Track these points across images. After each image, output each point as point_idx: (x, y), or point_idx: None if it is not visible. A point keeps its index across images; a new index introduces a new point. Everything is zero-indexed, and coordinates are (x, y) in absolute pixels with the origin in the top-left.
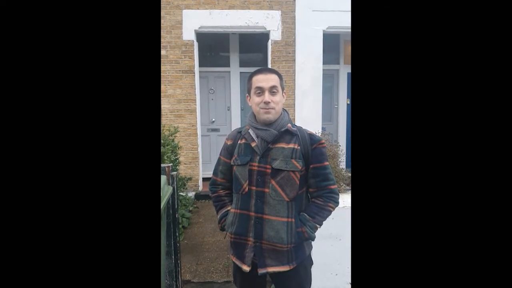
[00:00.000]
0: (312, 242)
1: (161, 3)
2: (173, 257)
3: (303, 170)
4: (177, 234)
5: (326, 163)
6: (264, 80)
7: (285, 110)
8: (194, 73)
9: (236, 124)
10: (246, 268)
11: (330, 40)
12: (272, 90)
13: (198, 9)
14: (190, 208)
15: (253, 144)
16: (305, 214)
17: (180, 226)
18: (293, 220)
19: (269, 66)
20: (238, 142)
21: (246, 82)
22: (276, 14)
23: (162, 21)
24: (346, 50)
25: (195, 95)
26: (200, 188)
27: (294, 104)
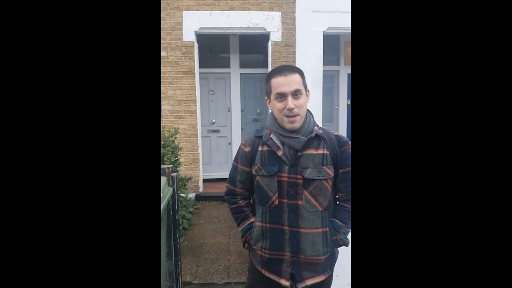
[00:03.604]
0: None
1: (161, 5)
2: (173, 258)
3: (333, 176)
4: (177, 236)
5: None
6: (285, 83)
7: (309, 111)
8: (195, 74)
9: (236, 125)
10: (285, 283)
11: (330, 41)
12: (296, 94)
13: (198, 10)
14: (191, 209)
15: (279, 153)
16: (337, 221)
17: (181, 227)
18: (327, 229)
19: (269, 67)
20: (259, 149)
21: (264, 83)
22: (276, 15)
23: (162, 22)
24: (346, 51)
25: (196, 96)
26: (201, 189)
27: None
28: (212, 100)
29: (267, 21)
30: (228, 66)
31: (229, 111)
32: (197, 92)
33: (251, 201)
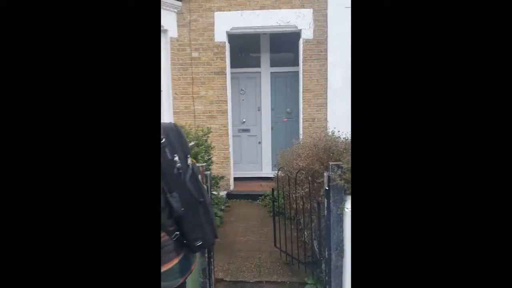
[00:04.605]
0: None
1: (193, 6)
2: (206, 255)
3: None
4: None
5: None
6: None
7: None
8: (226, 74)
9: (266, 124)
10: None
11: None
12: None
13: (229, 10)
14: (222, 207)
15: None
16: None
17: None
18: None
19: (300, 65)
20: None
21: None
22: (308, 13)
23: (194, 24)
24: None
25: (227, 96)
26: (232, 188)
27: (326, 103)
28: (243, 100)
29: (298, 19)
30: (258, 65)
31: (259, 110)
32: (228, 92)
33: None
